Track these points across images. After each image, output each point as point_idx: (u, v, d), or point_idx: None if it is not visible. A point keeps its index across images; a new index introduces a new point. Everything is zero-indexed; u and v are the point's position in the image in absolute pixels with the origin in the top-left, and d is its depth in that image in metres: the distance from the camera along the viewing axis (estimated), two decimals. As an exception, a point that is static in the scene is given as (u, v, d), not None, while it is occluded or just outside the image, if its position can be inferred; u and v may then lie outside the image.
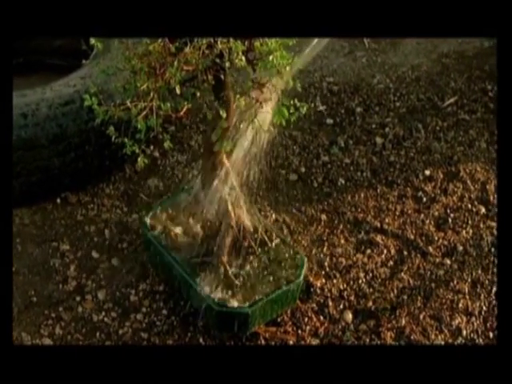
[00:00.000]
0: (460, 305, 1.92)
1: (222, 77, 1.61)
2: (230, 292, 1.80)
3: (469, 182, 2.27)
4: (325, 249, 2.04)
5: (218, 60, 1.54)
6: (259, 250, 1.87)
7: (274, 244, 1.90)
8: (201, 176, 1.83)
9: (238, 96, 1.65)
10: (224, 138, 1.69)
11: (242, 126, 1.75)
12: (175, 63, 1.49)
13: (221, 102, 1.66)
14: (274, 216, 2.09)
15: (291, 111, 1.66)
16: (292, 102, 1.64)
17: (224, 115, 1.68)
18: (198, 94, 1.66)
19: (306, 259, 1.87)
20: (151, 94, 1.51)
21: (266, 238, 1.90)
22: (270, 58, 1.59)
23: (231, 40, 1.51)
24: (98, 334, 1.82)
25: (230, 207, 1.84)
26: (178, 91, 1.54)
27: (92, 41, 1.59)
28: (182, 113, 1.65)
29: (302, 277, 1.84)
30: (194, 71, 1.60)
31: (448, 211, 2.17)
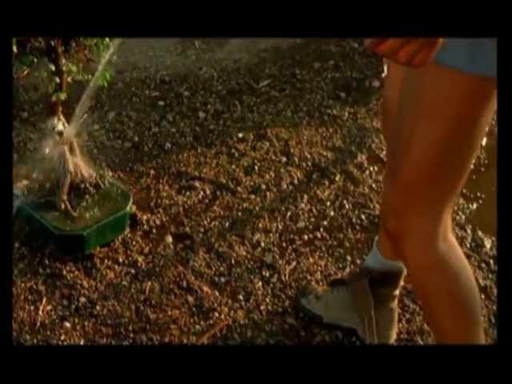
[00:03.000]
0: (260, 225, 2.50)
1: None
2: (68, 221, 2.32)
3: (274, 140, 2.88)
4: (152, 193, 2.59)
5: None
6: (94, 190, 2.40)
7: (106, 186, 2.43)
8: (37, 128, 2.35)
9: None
10: (58, 90, 2.22)
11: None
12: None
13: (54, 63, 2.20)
14: (110, 173, 2.62)
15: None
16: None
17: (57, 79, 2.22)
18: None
19: (131, 195, 2.42)
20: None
21: (100, 182, 2.43)
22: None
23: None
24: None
25: (67, 156, 2.36)
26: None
27: None
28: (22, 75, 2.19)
29: (128, 208, 2.38)
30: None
31: (255, 161, 2.76)
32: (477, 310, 1.74)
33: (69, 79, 2.20)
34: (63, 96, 2.19)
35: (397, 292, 2.08)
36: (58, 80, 2.19)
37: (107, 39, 2.18)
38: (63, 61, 2.20)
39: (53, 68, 2.14)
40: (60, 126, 2.32)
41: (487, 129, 1.57)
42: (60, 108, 2.28)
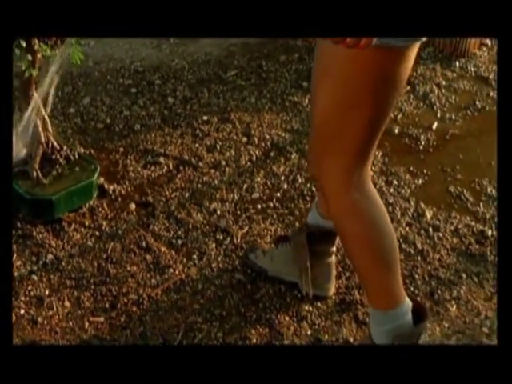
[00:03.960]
0: (217, 196, 2.74)
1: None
2: (39, 188, 2.57)
3: (237, 123, 3.12)
4: (119, 167, 2.83)
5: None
6: (64, 161, 2.65)
7: (76, 158, 2.68)
8: (18, 107, 2.59)
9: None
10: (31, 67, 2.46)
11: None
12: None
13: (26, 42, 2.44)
14: (82, 150, 2.86)
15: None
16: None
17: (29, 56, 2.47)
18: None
19: (99, 166, 2.66)
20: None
21: (70, 155, 2.68)
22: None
23: None
24: None
25: (40, 129, 2.61)
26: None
27: None
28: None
29: (94, 177, 2.62)
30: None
31: (217, 141, 3.01)
32: (393, 256, 1.97)
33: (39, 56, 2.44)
34: (35, 72, 2.44)
35: (333, 249, 2.31)
36: (30, 57, 2.43)
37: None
38: (35, 40, 2.44)
39: (24, 45, 2.39)
40: (33, 102, 2.57)
41: (396, 102, 1.81)
42: (34, 84, 2.52)
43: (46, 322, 2.21)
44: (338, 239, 2.26)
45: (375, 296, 1.98)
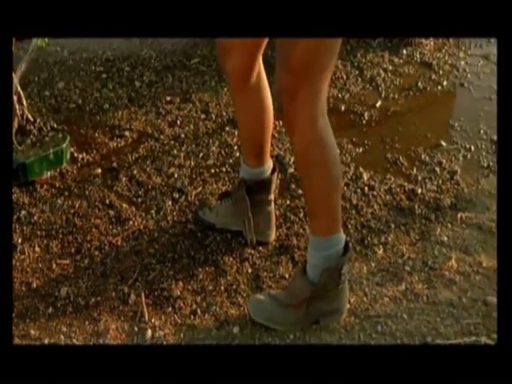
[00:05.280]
0: (176, 162, 3.09)
1: None
2: (14, 154, 2.92)
3: (197, 102, 3.48)
4: (88, 139, 3.19)
5: None
6: (37, 132, 3.01)
7: (48, 130, 3.04)
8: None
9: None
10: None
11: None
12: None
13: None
14: (55, 125, 3.22)
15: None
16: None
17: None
18: None
19: (68, 136, 3.02)
20: None
21: (43, 126, 3.04)
22: None
23: None
24: None
25: (15, 103, 2.96)
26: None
27: None
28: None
29: (64, 145, 2.98)
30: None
31: (178, 117, 3.36)
32: (339, 181, 2.27)
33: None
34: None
35: (271, 197, 2.66)
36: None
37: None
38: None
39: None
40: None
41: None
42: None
43: (18, 264, 2.54)
44: (273, 188, 2.61)
45: (323, 222, 2.27)
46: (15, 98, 2.93)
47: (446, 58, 4.00)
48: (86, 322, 2.34)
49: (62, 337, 2.28)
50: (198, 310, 2.40)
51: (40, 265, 2.55)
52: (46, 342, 2.26)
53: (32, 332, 2.29)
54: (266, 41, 2.33)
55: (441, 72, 3.86)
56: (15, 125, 2.94)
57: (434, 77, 3.80)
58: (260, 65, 2.43)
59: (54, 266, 2.55)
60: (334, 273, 2.26)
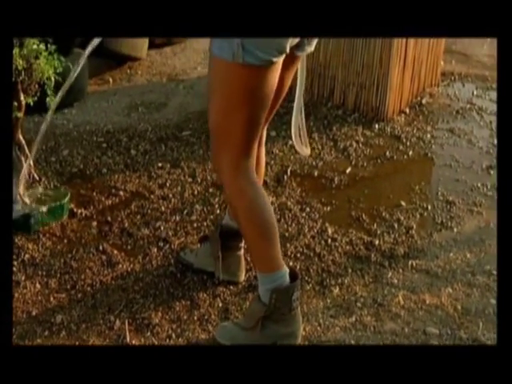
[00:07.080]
0: (163, 217, 3.59)
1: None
2: (21, 207, 3.43)
3: (186, 168, 4.00)
4: (87, 198, 3.71)
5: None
6: (42, 189, 3.53)
7: (51, 188, 3.56)
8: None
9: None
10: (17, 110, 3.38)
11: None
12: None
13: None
14: (58, 184, 3.74)
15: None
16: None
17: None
18: None
19: (69, 193, 3.54)
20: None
21: (47, 184, 3.57)
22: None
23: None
24: None
25: (24, 166, 3.49)
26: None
27: None
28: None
29: (65, 201, 3.50)
30: None
31: (168, 180, 3.88)
32: (272, 230, 2.74)
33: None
34: (20, 115, 3.35)
35: (242, 244, 3.13)
36: (16, 103, 3.35)
37: (52, 78, 3.34)
38: (21, 94, 3.36)
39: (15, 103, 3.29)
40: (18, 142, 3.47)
41: (267, 107, 2.66)
42: (19, 127, 3.43)
43: (20, 297, 3.01)
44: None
45: (260, 261, 2.76)
46: (23, 158, 3.45)
47: (415, 131, 4.52)
48: (77, 343, 2.79)
49: (54, 352, 2.72)
50: (173, 335, 2.84)
51: (39, 297, 3.02)
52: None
53: (29, 347, 2.72)
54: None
55: (408, 143, 4.37)
56: (23, 182, 3.45)
57: (401, 147, 4.31)
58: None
59: (52, 298, 3.01)
60: (284, 295, 2.71)
